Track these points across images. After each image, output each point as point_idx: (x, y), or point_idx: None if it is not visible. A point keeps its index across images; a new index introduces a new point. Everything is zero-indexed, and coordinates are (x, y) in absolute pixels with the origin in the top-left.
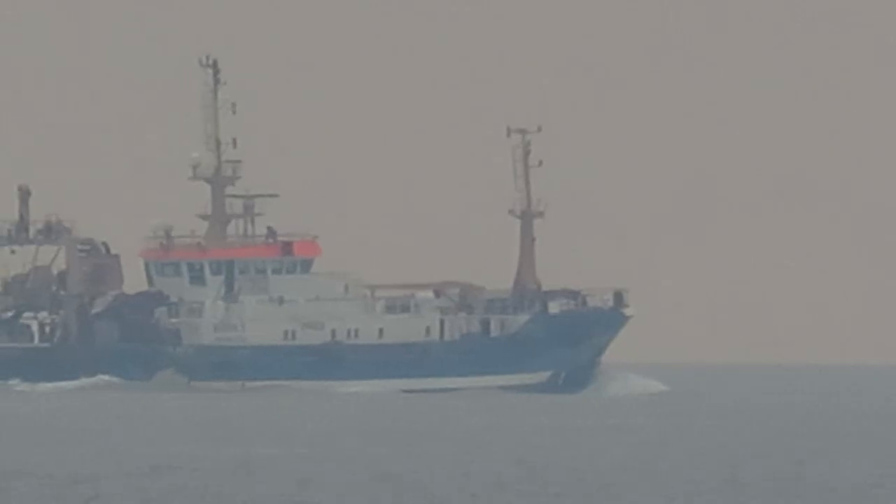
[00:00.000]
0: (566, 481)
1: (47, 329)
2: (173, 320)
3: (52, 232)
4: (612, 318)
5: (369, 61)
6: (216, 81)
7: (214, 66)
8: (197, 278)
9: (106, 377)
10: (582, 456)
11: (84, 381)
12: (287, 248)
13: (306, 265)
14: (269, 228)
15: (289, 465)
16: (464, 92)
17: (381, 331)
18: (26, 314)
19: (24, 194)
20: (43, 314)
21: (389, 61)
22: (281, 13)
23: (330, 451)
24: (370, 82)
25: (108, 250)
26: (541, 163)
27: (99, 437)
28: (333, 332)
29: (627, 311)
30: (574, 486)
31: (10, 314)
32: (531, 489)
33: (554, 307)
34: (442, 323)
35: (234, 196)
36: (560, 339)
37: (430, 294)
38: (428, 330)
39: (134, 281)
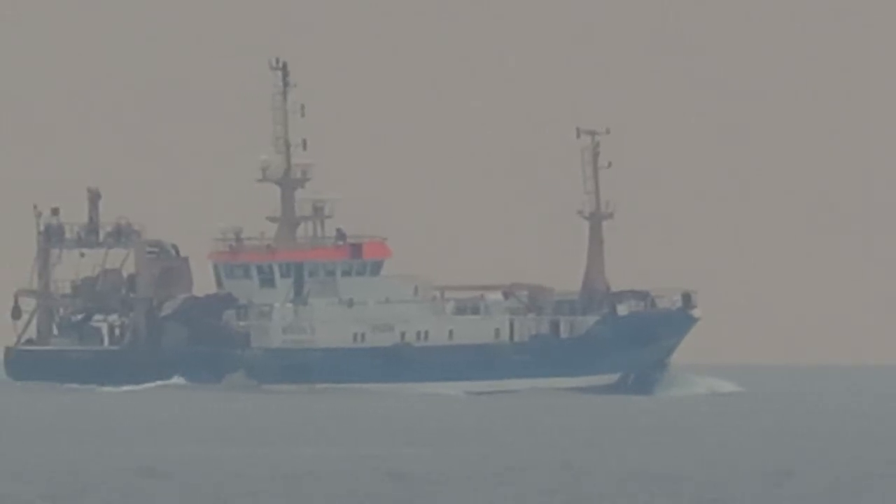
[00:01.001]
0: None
1: (117, 332)
2: (242, 323)
3: (121, 235)
4: (681, 320)
5: (439, 62)
6: (286, 84)
7: (284, 68)
8: (266, 281)
9: (175, 380)
10: (687, 457)
11: (153, 383)
12: (356, 250)
13: (376, 267)
14: (338, 230)
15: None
16: (534, 93)
17: (450, 332)
18: (96, 317)
19: (94, 197)
20: (112, 317)
21: (458, 63)
22: (350, 15)
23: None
24: (440, 84)
25: (177, 253)
26: (610, 164)
27: (234, 439)
28: (403, 335)
29: (695, 313)
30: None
31: (79, 317)
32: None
33: (623, 309)
34: (511, 324)
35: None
36: (629, 340)
37: (499, 296)
38: (497, 332)
39: (203, 283)
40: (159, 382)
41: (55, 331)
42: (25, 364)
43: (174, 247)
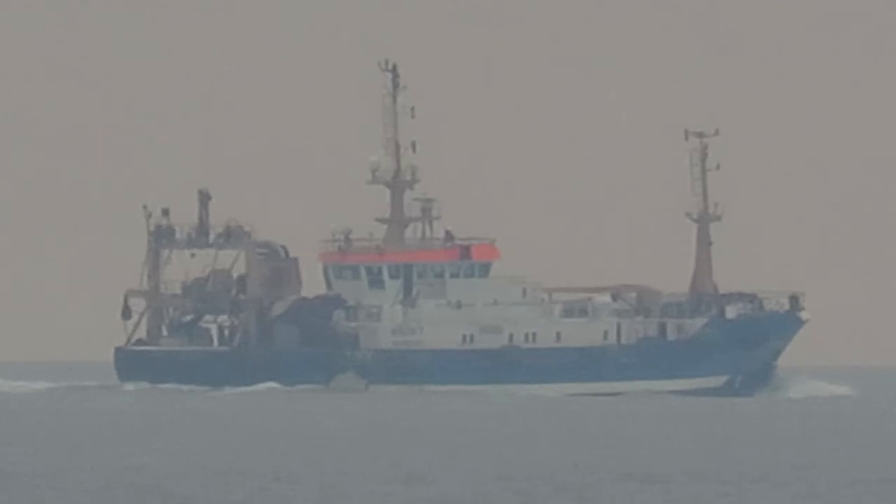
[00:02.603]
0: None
1: (226, 333)
2: (351, 324)
3: (231, 235)
4: (788, 322)
5: (547, 64)
6: (396, 86)
7: (394, 70)
8: (375, 282)
9: (284, 381)
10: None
11: (262, 384)
12: (465, 251)
13: (484, 269)
14: (447, 232)
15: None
16: (643, 96)
17: (558, 335)
18: (206, 318)
19: (205, 198)
20: (222, 318)
21: (567, 64)
22: (460, 17)
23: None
24: (547, 85)
25: (286, 253)
26: (718, 166)
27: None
28: (511, 336)
29: (803, 315)
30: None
31: (189, 318)
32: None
33: (731, 311)
34: (619, 327)
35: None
36: (737, 342)
37: (607, 298)
38: (605, 334)
39: (312, 284)
40: (267, 383)
41: (165, 331)
42: (135, 365)
43: (283, 248)
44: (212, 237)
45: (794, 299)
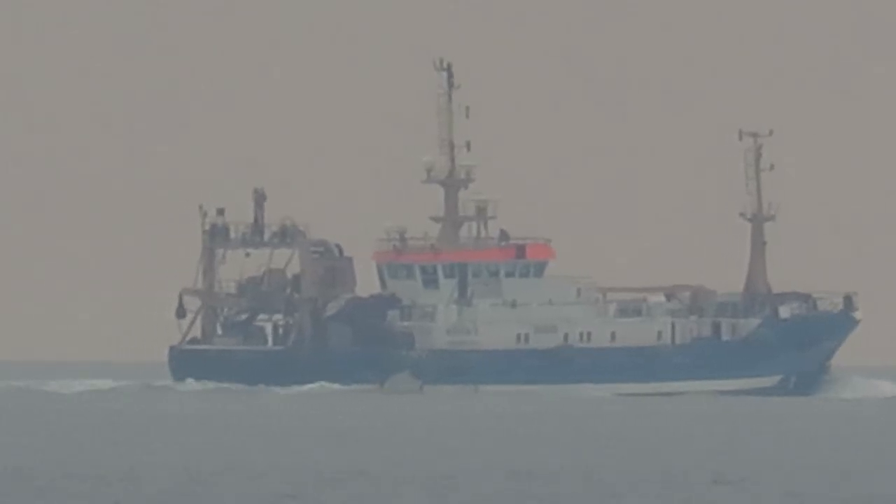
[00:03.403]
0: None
1: (281, 332)
2: (406, 323)
3: (286, 235)
4: (842, 322)
5: (602, 64)
6: (451, 85)
7: (449, 69)
8: (430, 281)
9: (338, 381)
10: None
11: (317, 384)
12: (520, 251)
13: (539, 269)
14: (501, 231)
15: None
16: (696, 95)
17: (612, 334)
18: (260, 317)
19: (260, 197)
20: (277, 317)
21: (621, 64)
22: (515, 16)
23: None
24: (603, 85)
25: (341, 253)
26: (772, 166)
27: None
28: (565, 336)
29: (857, 315)
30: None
31: (244, 317)
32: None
33: (784, 311)
34: (673, 326)
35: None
36: (790, 342)
37: (661, 297)
38: (659, 334)
39: (366, 284)
40: (321, 383)
41: (219, 330)
42: (189, 363)
43: (338, 247)
44: (267, 236)
45: (847, 299)
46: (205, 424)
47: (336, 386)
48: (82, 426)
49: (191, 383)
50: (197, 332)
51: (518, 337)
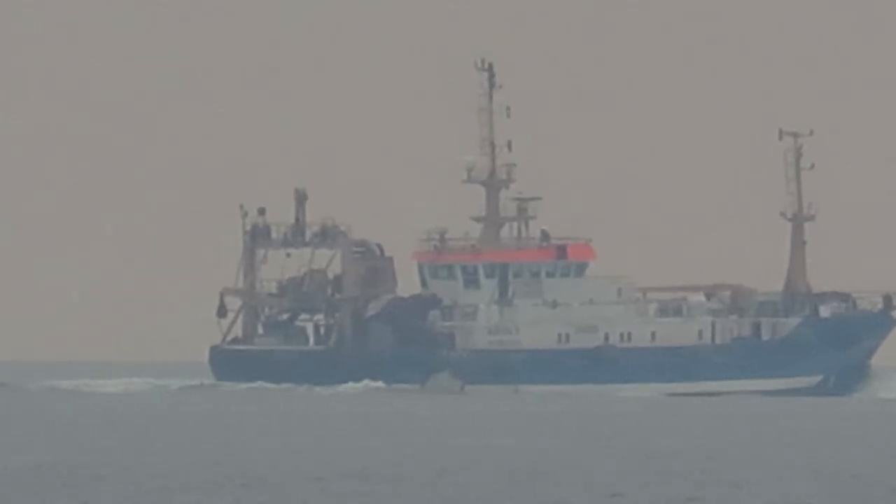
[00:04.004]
0: None
1: (322, 332)
2: (447, 324)
3: (327, 235)
4: (882, 321)
5: (642, 64)
6: (491, 85)
7: (490, 69)
8: (471, 281)
9: (379, 381)
10: None
11: (357, 384)
12: (561, 251)
13: (580, 269)
14: (542, 231)
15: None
16: (737, 95)
17: (653, 334)
18: (301, 317)
19: (301, 197)
20: (318, 317)
21: (663, 63)
22: (555, 14)
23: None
24: (642, 84)
25: (382, 253)
26: (812, 166)
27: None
28: (606, 336)
29: None
30: None
31: (285, 317)
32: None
33: (825, 310)
34: (713, 326)
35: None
36: (830, 342)
37: (701, 297)
38: (700, 333)
39: (407, 284)
40: (362, 383)
41: (260, 330)
42: (231, 363)
43: (379, 247)
44: (308, 236)
45: (887, 299)
46: (249, 423)
47: (374, 386)
48: (129, 425)
49: (232, 383)
50: (238, 331)
51: (559, 337)
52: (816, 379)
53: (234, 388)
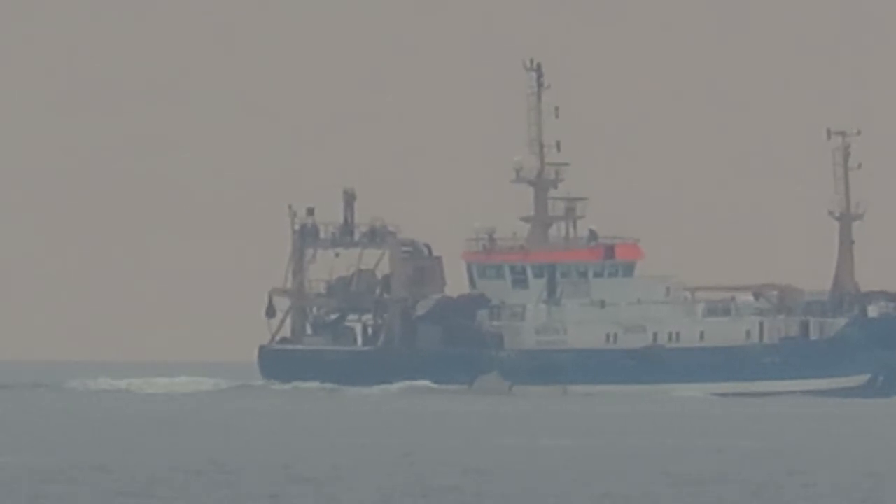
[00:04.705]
0: None
1: (370, 332)
2: (495, 323)
3: (376, 235)
4: None
5: (690, 64)
6: (540, 85)
7: (538, 69)
8: (519, 281)
9: (427, 381)
10: None
11: (405, 384)
12: (609, 251)
13: (628, 268)
14: (590, 231)
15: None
16: (785, 95)
17: (701, 334)
18: (350, 317)
19: (350, 197)
20: (367, 317)
21: (710, 64)
22: (604, 14)
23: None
24: (690, 85)
25: (430, 252)
26: (860, 165)
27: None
28: (655, 336)
29: None
30: None
31: (334, 317)
32: None
33: (873, 310)
34: (761, 326)
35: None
36: (879, 342)
37: (749, 296)
38: (748, 333)
39: (456, 284)
40: (410, 383)
41: (309, 330)
42: (279, 363)
43: (427, 247)
44: (356, 236)
45: None
46: (299, 423)
47: (423, 386)
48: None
49: (281, 383)
50: (287, 331)
51: (607, 337)
52: (864, 378)
53: (282, 388)
